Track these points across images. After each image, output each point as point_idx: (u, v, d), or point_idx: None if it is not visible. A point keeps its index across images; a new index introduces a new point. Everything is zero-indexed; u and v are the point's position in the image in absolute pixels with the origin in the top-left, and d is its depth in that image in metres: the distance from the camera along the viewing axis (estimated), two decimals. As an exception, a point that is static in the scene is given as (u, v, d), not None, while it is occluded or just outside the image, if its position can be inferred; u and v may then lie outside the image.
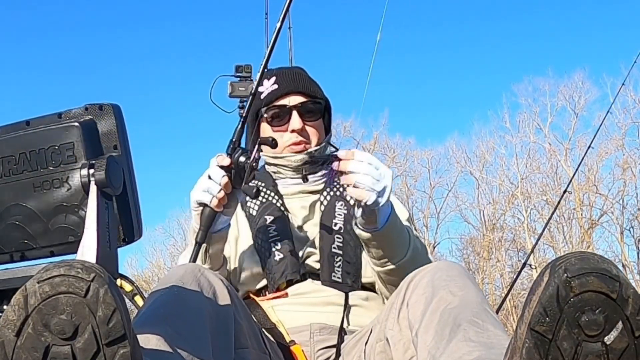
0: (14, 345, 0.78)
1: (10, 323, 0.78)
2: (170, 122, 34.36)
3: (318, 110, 1.80)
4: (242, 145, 1.66)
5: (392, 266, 1.55)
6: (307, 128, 1.76)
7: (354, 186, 1.44)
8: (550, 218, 4.34)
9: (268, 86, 1.78)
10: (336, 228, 1.66)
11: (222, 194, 1.46)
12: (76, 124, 1.17)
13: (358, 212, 1.52)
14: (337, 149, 1.89)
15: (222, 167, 1.48)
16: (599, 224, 20.79)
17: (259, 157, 1.51)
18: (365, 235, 1.54)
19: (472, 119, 34.73)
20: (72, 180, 1.15)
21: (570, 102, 21.82)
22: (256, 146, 1.51)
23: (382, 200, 1.46)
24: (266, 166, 1.83)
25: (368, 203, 1.43)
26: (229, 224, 1.58)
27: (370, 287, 1.65)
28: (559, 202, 3.47)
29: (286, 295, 1.59)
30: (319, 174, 1.72)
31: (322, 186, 1.78)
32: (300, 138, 1.75)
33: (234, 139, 1.56)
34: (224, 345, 1.19)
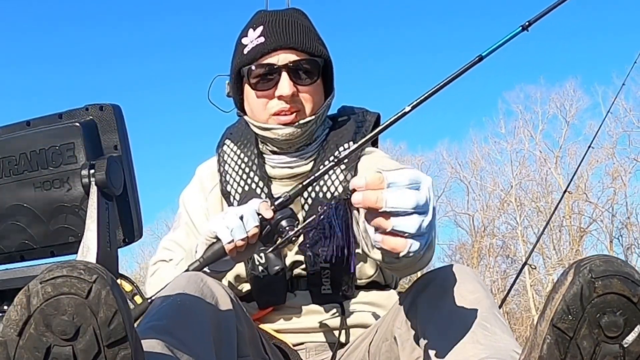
0: (16, 345, 0.78)
1: (12, 323, 0.78)
2: (162, 121, 34.39)
3: (315, 70, 1.45)
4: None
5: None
6: (300, 93, 1.43)
7: (387, 232, 0.87)
8: (551, 216, 4.35)
9: (253, 38, 1.44)
10: None
11: (243, 243, 1.23)
12: (77, 124, 1.15)
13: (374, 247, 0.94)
14: (345, 115, 1.55)
15: (259, 214, 1.24)
16: (588, 232, 20.89)
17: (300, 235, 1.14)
18: (384, 262, 1.12)
19: (467, 125, 35.06)
20: (73, 180, 1.14)
21: (561, 110, 22.00)
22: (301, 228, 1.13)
23: (429, 239, 0.91)
24: (256, 132, 1.52)
25: (410, 256, 0.89)
26: (233, 267, 1.36)
27: (371, 285, 1.51)
28: (559, 201, 3.49)
29: (272, 310, 1.47)
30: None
31: (310, 165, 1.47)
32: (290, 105, 1.42)
33: (289, 197, 1.24)
34: (227, 355, 1.16)
